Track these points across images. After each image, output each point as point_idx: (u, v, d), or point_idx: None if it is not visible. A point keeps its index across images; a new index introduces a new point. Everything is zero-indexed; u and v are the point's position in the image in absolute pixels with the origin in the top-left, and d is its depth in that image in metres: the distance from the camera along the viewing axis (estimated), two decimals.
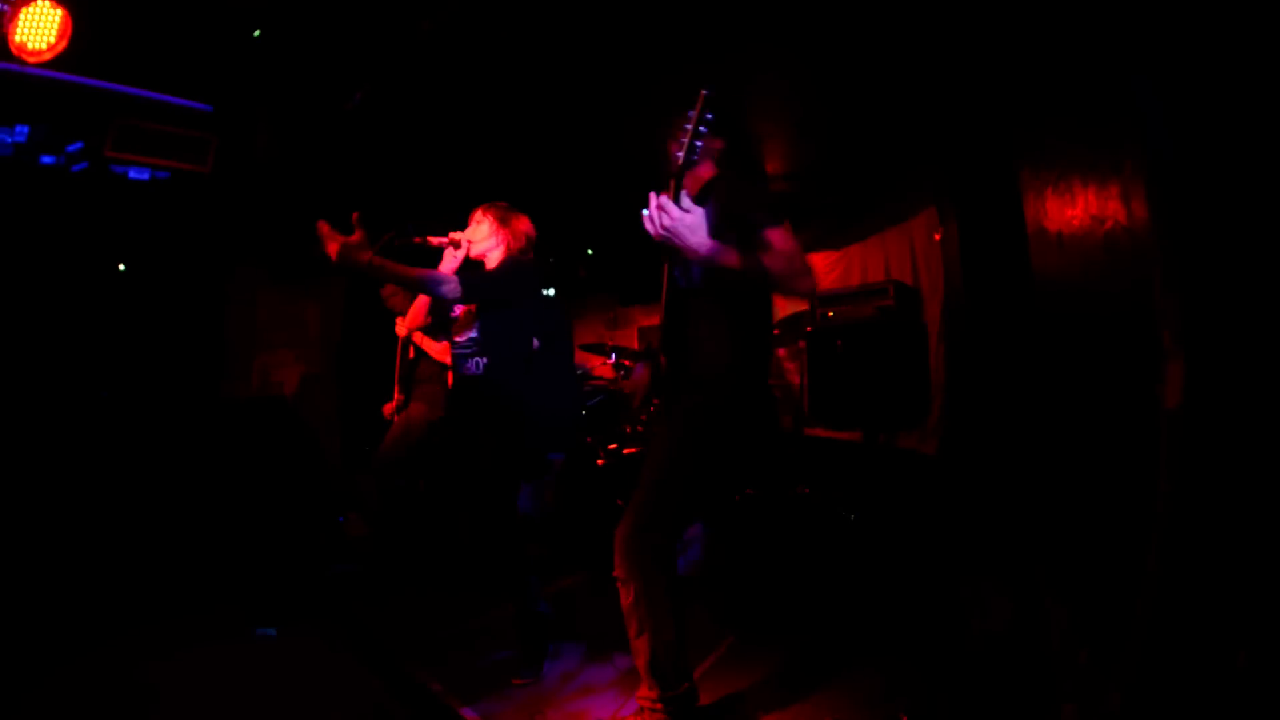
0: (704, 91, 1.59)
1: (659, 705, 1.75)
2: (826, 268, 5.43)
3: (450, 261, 2.37)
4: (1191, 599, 1.16)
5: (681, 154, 1.64)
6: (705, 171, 1.95)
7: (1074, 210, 1.57)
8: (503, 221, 2.41)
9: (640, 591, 1.73)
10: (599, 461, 3.90)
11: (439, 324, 2.81)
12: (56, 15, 2.37)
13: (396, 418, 3.50)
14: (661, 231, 1.63)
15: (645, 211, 1.64)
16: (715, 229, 1.69)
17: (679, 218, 1.61)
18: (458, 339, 2.38)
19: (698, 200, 1.83)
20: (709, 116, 1.61)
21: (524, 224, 2.45)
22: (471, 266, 2.43)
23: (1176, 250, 1.26)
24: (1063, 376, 1.66)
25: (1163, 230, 1.28)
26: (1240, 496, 1.14)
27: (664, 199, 1.61)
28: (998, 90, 2.52)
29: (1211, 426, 1.18)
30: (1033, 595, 1.93)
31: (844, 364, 4.29)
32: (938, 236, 4.03)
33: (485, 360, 2.29)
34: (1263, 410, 1.13)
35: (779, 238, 1.74)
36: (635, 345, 6.58)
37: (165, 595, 2.97)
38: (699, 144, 1.62)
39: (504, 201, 2.47)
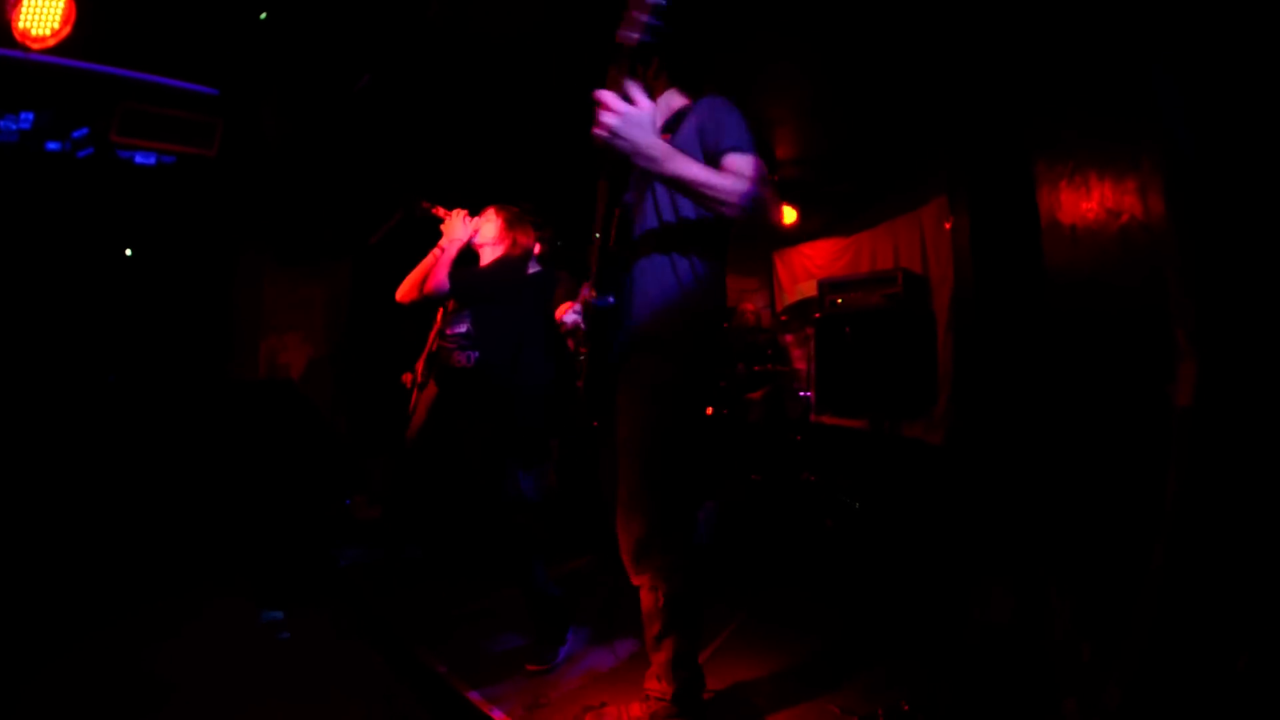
0: None
1: (668, 700, 1.71)
2: (835, 254, 5.41)
3: (450, 240, 2.42)
4: (1195, 599, 1.16)
5: (635, 34, 1.27)
6: (676, 101, 1.71)
7: (1089, 203, 1.54)
8: (510, 226, 2.49)
9: (666, 595, 1.62)
10: None
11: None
12: (60, 1, 2.35)
13: (415, 394, 3.51)
14: (604, 133, 1.31)
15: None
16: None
17: (625, 111, 1.30)
18: (448, 331, 2.44)
19: (667, 130, 1.57)
20: None
21: (528, 237, 2.53)
22: (468, 256, 2.50)
23: (1194, 248, 1.24)
24: (1072, 370, 1.65)
25: (1180, 227, 1.26)
26: (1249, 498, 1.14)
27: (605, 94, 1.31)
28: (1013, 79, 2.47)
29: (1223, 427, 1.17)
30: (1036, 588, 1.93)
31: (852, 351, 4.28)
32: (948, 225, 3.98)
33: (476, 354, 2.33)
34: (1275, 412, 1.12)
35: (748, 165, 1.45)
36: None
37: (172, 577, 3.00)
38: (652, 22, 1.27)
39: (518, 209, 2.54)
